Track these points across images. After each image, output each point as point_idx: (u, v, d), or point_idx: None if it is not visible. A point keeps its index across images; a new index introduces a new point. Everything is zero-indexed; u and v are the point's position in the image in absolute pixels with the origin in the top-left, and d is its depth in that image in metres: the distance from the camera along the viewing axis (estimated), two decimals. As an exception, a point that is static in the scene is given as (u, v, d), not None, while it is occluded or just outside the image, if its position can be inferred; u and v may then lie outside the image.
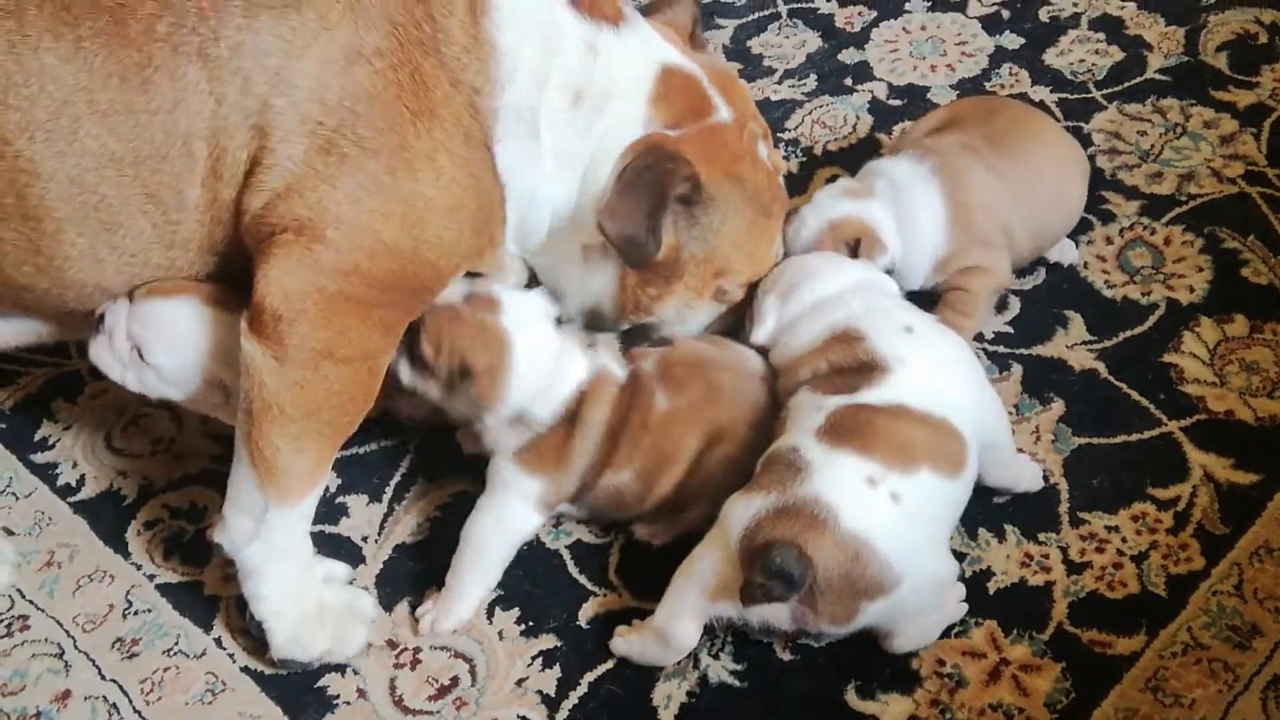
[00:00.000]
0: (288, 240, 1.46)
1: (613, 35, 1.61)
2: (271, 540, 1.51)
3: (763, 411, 1.60)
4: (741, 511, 1.42)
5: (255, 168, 1.46)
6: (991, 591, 1.54)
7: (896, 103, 2.27)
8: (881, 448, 1.42)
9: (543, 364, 1.58)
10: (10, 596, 1.67)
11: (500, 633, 1.58)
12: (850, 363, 1.52)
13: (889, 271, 1.77)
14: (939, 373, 1.52)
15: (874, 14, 2.49)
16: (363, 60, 1.46)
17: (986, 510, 1.61)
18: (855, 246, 1.76)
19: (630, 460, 1.58)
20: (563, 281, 1.71)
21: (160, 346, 1.57)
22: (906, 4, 2.50)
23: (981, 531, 1.60)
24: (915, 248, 1.80)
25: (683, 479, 1.57)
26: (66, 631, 1.63)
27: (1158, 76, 2.23)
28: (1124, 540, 1.57)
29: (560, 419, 1.58)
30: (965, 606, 1.51)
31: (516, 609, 1.60)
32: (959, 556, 1.55)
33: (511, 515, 1.59)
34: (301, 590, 1.56)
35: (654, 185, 1.56)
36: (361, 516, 1.72)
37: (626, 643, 1.52)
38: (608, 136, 1.58)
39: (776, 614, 1.42)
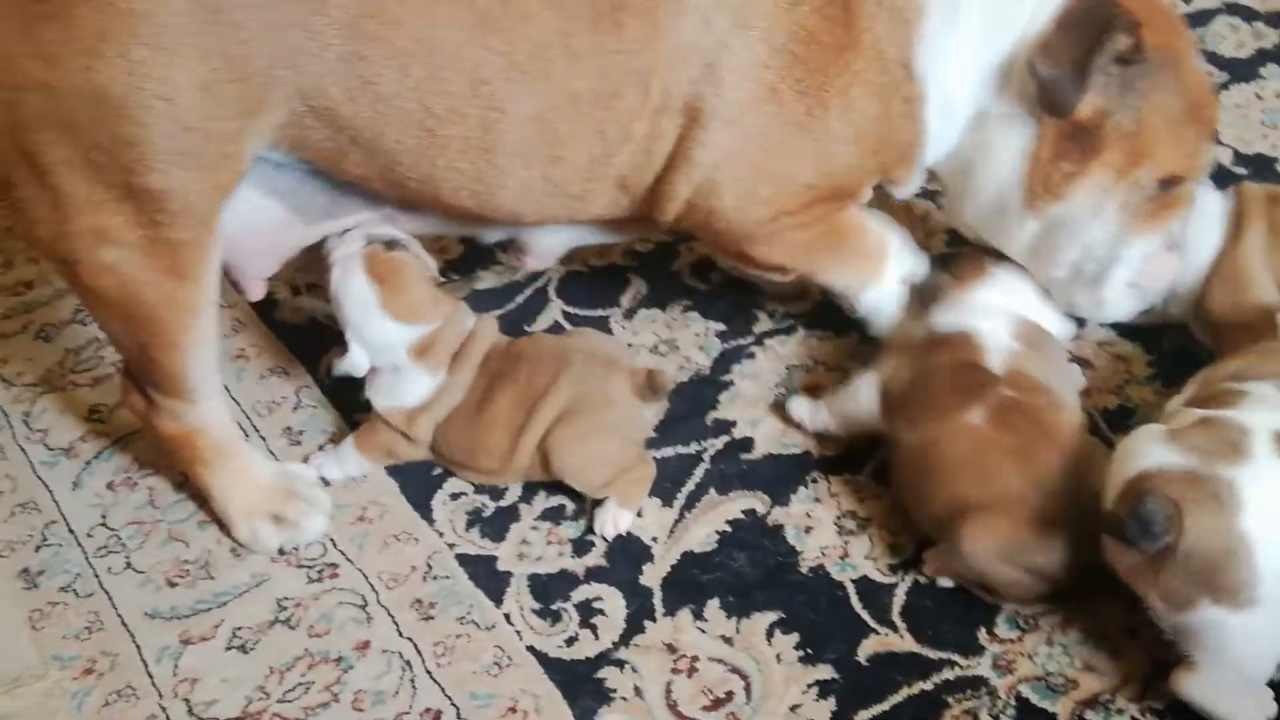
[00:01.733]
0: (721, 186, 1.61)
1: None
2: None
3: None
4: (1156, 454, 1.38)
5: (699, 107, 1.55)
6: (1307, 698, 1.45)
7: (1241, 171, 2.16)
8: None
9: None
10: (324, 544, 1.78)
11: (778, 655, 1.58)
12: None
13: None
14: None
15: (1225, 75, 2.37)
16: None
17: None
18: None
19: (927, 426, 1.62)
20: (970, 173, 1.71)
21: (351, 327, 1.75)
22: (1263, 68, 2.38)
23: (1300, 634, 1.50)
24: (1186, 273, 1.77)
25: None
26: (371, 585, 1.73)
27: None
28: None
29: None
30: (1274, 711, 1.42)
31: (796, 635, 1.60)
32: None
33: None
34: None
35: (1094, 26, 1.53)
36: (653, 518, 1.75)
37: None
38: None
39: (1119, 557, 1.40)
